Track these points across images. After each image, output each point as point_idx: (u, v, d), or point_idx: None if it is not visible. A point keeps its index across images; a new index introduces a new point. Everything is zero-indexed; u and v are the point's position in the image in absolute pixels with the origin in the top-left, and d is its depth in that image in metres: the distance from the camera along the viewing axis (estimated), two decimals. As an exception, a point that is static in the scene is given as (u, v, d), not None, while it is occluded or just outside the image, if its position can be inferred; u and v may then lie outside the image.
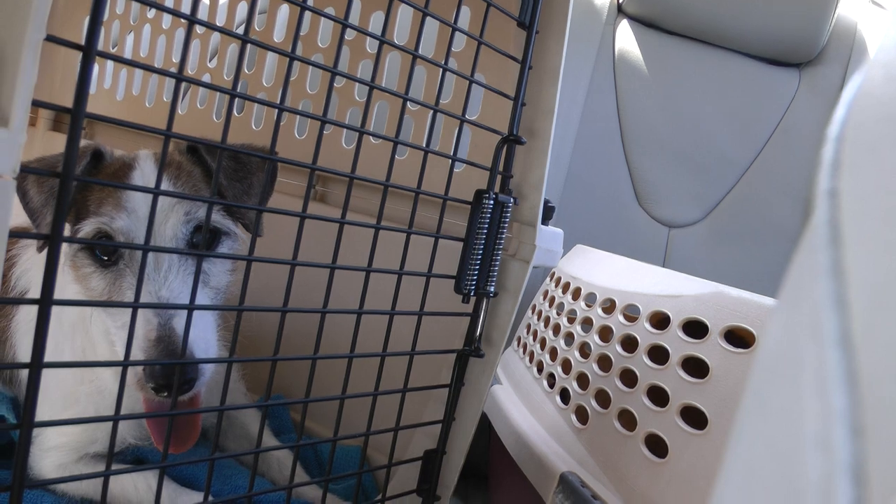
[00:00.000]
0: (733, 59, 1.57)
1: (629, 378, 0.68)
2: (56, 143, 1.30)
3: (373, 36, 0.60)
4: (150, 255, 0.67)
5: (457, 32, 0.67)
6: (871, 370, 0.15)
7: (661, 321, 0.69)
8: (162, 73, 0.48)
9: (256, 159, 0.73)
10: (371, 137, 0.92)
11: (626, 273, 0.82)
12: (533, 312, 1.00)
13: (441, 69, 0.67)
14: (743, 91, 1.56)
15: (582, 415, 0.73)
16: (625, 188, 1.50)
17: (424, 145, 0.67)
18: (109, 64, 1.30)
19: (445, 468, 0.73)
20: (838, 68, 1.59)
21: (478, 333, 0.71)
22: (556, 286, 0.94)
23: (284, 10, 1.10)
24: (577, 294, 0.86)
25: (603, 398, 0.71)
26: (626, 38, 1.54)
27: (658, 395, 0.64)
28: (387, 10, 0.60)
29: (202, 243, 0.63)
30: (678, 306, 0.67)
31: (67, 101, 0.41)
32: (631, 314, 0.73)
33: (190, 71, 1.16)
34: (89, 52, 0.41)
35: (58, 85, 1.31)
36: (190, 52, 1.13)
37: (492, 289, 0.69)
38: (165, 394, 0.63)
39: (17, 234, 0.42)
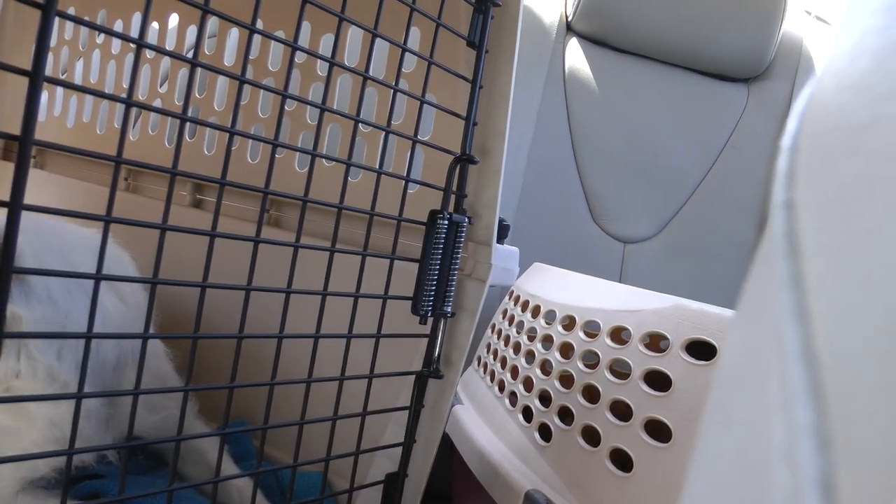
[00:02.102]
0: (682, 75, 1.60)
1: (591, 394, 0.68)
2: (6, 172, 1.28)
3: (322, 58, 0.60)
4: None
5: (407, 53, 0.67)
6: (836, 382, 0.15)
7: (621, 336, 0.69)
8: (112, 98, 0.47)
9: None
10: (324, 160, 0.92)
11: (584, 290, 0.82)
12: (493, 331, 0.99)
13: (392, 90, 0.67)
14: (693, 107, 1.58)
15: (545, 432, 0.73)
16: (579, 205, 1.51)
17: (377, 167, 0.67)
18: (59, 91, 1.29)
19: (407, 491, 0.72)
20: (786, 83, 1.62)
21: (436, 354, 0.70)
22: (515, 304, 0.94)
23: (234, 34, 1.09)
24: (536, 312, 0.86)
25: (566, 415, 0.71)
26: (575, 56, 1.55)
27: (621, 410, 0.64)
28: (336, 32, 0.60)
29: None
30: (638, 321, 0.67)
31: (17, 128, 0.40)
32: (591, 330, 0.73)
33: (141, 96, 1.14)
34: (36, 77, 0.40)
35: (7, 112, 1.29)
36: (140, 76, 1.12)
37: (449, 309, 0.69)
38: None
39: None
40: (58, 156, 1.28)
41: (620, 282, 1.40)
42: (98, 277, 0.48)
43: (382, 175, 0.67)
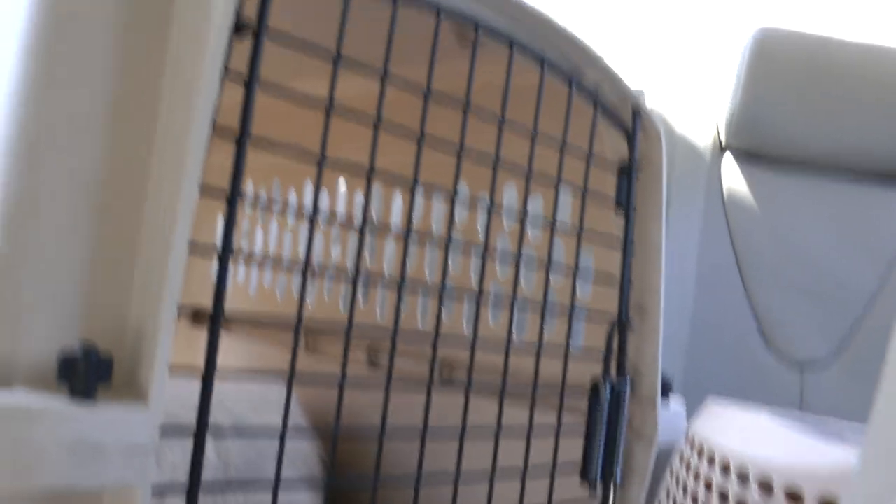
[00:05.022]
0: (845, 182, 1.56)
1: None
2: (197, 341, 1.37)
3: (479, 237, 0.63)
4: None
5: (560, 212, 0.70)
6: None
7: (797, 497, 0.67)
8: (291, 268, 0.52)
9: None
10: (490, 321, 0.95)
11: (760, 434, 0.81)
12: (671, 476, 0.98)
13: (548, 256, 0.70)
14: (860, 217, 1.54)
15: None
16: (751, 330, 1.48)
17: (539, 328, 0.69)
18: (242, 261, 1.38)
19: None
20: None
21: (610, 522, 0.71)
22: (691, 449, 0.93)
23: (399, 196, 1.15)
24: (711, 460, 0.85)
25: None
26: (732, 175, 1.55)
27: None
28: (490, 192, 0.64)
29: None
30: (813, 481, 0.65)
31: (205, 295, 0.45)
32: (767, 485, 0.72)
33: (315, 261, 1.22)
34: (226, 258, 0.45)
35: (197, 281, 1.39)
36: (314, 244, 1.19)
37: (619, 474, 0.69)
38: None
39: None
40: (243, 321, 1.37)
41: (800, 408, 1.36)
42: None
43: (544, 341, 0.69)
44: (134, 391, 0.42)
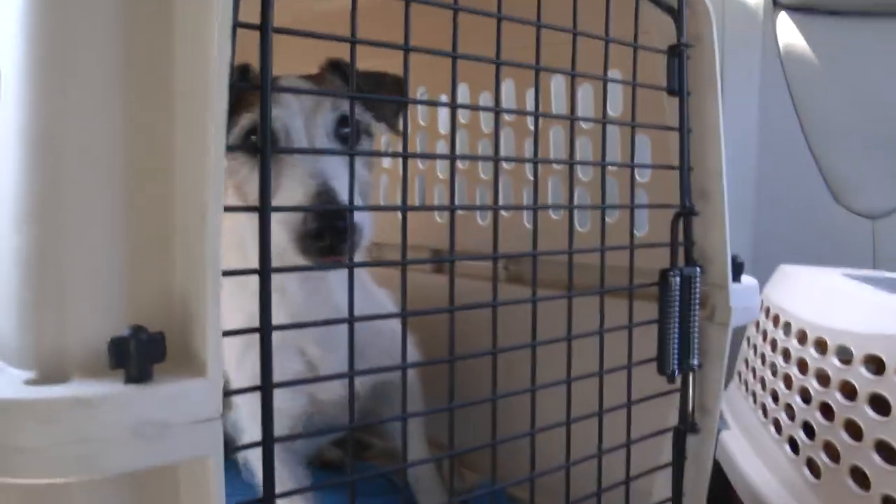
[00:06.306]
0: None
1: (855, 430, 0.66)
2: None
3: (523, 113, 0.62)
4: (305, 138, 0.72)
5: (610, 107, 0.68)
6: None
7: (877, 365, 0.66)
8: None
9: (388, 82, 0.80)
10: (551, 212, 0.93)
11: (833, 300, 0.80)
12: (748, 345, 0.98)
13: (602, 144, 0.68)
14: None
15: (813, 467, 0.72)
16: (818, 187, 1.44)
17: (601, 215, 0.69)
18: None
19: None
20: None
21: (690, 409, 0.71)
22: (767, 317, 0.92)
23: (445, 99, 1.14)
24: (787, 329, 0.85)
25: (832, 451, 0.69)
26: (788, 32, 1.49)
27: (889, 450, 0.62)
28: (536, 84, 0.62)
29: (351, 137, 0.67)
30: (893, 349, 0.64)
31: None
32: (845, 356, 0.71)
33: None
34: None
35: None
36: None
37: (696, 362, 0.68)
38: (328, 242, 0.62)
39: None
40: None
41: (874, 262, 1.33)
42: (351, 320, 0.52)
43: (608, 227, 0.68)
44: (190, 364, 0.40)
